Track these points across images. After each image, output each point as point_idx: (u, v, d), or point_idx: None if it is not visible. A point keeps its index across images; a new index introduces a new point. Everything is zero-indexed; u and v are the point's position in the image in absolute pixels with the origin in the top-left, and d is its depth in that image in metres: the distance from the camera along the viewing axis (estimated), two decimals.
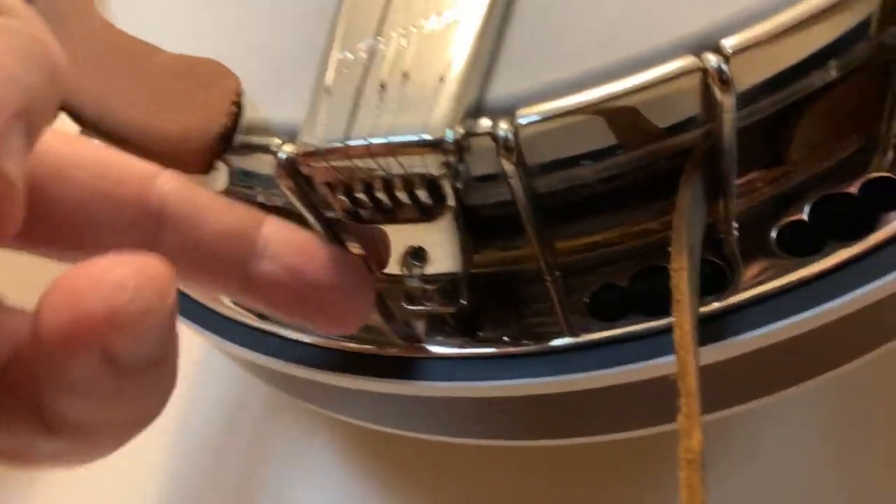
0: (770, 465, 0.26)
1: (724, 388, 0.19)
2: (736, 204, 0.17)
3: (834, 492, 0.26)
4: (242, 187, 0.20)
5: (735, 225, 0.18)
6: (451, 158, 0.15)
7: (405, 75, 0.16)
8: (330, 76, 0.16)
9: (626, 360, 0.17)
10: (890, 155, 0.18)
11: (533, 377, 0.18)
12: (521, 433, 0.22)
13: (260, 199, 0.20)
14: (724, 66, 0.14)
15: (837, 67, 0.16)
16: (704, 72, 0.14)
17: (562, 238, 0.19)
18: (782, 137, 0.17)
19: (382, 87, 0.16)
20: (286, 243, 0.16)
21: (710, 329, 0.17)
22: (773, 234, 0.18)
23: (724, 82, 0.14)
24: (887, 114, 0.17)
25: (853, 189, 0.18)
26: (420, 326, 0.20)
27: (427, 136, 0.15)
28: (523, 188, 0.16)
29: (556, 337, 0.18)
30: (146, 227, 0.15)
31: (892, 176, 0.17)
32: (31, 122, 0.12)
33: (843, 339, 0.18)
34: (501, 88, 0.16)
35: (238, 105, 0.17)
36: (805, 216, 0.18)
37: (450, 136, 0.15)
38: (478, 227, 0.19)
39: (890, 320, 0.18)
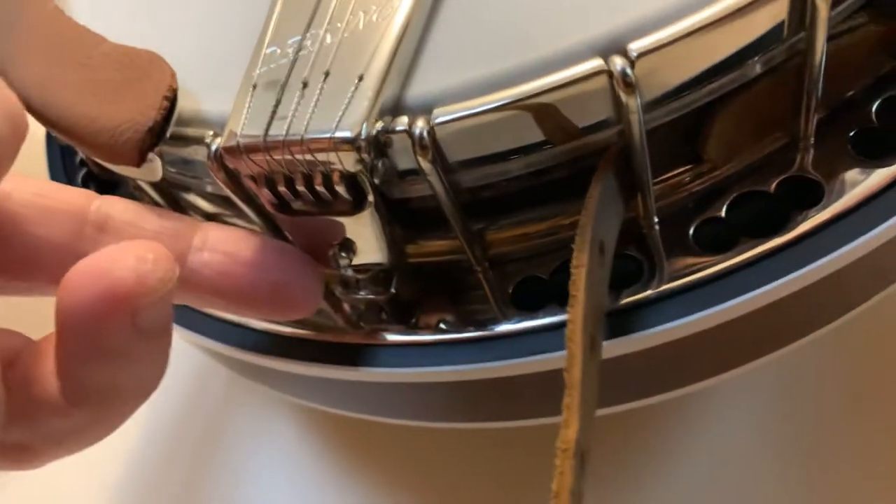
0: (710, 455, 0.27)
1: (646, 377, 0.20)
2: (654, 201, 0.18)
3: (774, 479, 0.26)
4: (183, 176, 0.20)
5: (656, 220, 0.18)
6: (366, 156, 0.15)
7: (326, 74, 0.16)
8: (256, 71, 0.17)
9: (540, 350, 0.17)
10: (811, 153, 0.19)
11: (451, 365, 0.18)
12: (457, 416, 0.22)
13: (201, 187, 0.20)
14: (627, 70, 0.15)
15: (749, 70, 0.16)
16: (610, 74, 0.15)
17: (490, 230, 0.19)
18: (701, 135, 0.18)
19: (304, 84, 0.16)
20: (225, 236, 0.17)
21: (627, 321, 0.18)
22: (692, 230, 0.18)
23: (629, 85, 0.15)
24: (804, 114, 0.18)
25: (770, 187, 0.18)
26: (357, 312, 0.20)
27: (340, 134, 0.15)
28: (442, 184, 0.17)
29: (482, 326, 0.19)
30: (87, 236, 0.17)
31: (805, 175, 0.18)
32: None
33: (757, 333, 0.19)
34: (420, 87, 0.16)
35: (171, 99, 0.17)
36: (723, 213, 0.18)
37: (364, 133, 0.15)
38: (411, 218, 0.19)
39: (803, 314, 0.19)
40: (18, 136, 0.14)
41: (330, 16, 0.17)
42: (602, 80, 0.15)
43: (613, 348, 0.17)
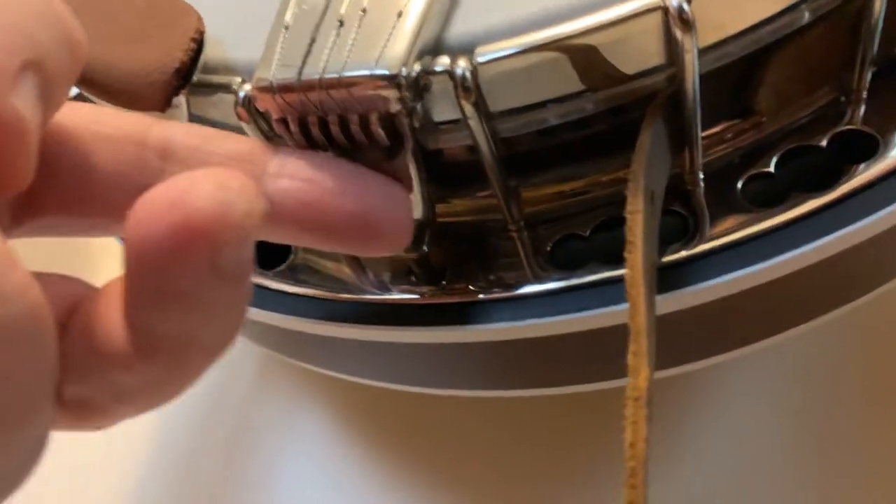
0: (733, 424, 0.26)
1: (691, 341, 0.19)
2: (702, 154, 0.17)
3: (795, 451, 0.26)
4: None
5: (701, 176, 0.18)
6: (406, 94, 0.15)
7: (364, 11, 0.15)
8: (289, 12, 0.16)
9: (584, 307, 0.17)
10: (863, 108, 0.18)
11: (490, 323, 0.17)
12: (494, 383, 0.22)
13: None
14: (685, 5, 0.14)
15: (806, 12, 0.16)
16: (665, 10, 0.14)
17: (527, 187, 0.19)
18: (750, 86, 0.17)
19: (340, 22, 0.15)
20: (305, 162, 0.15)
21: (673, 277, 0.17)
22: (740, 185, 0.17)
23: (685, 22, 0.14)
24: (859, 65, 0.17)
25: (822, 142, 0.17)
26: (386, 274, 0.20)
27: (380, 71, 0.14)
28: (484, 131, 0.16)
29: (517, 285, 0.18)
30: (151, 166, 0.15)
31: (860, 129, 0.17)
32: (46, 81, 0.12)
33: (807, 293, 0.18)
34: (462, 26, 0.16)
35: (197, 42, 0.17)
36: (772, 168, 0.17)
37: (404, 71, 0.14)
38: (444, 175, 0.19)
39: (852, 276, 0.18)
40: (77, 59, 0.13)
41: None
42: (657, 17, 0.14)
43: (659, 305, 0.17)
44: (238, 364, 0.33)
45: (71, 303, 0.13)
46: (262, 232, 0.15)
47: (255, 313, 0.21)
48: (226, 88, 0.17)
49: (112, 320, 0.12)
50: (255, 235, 0.13)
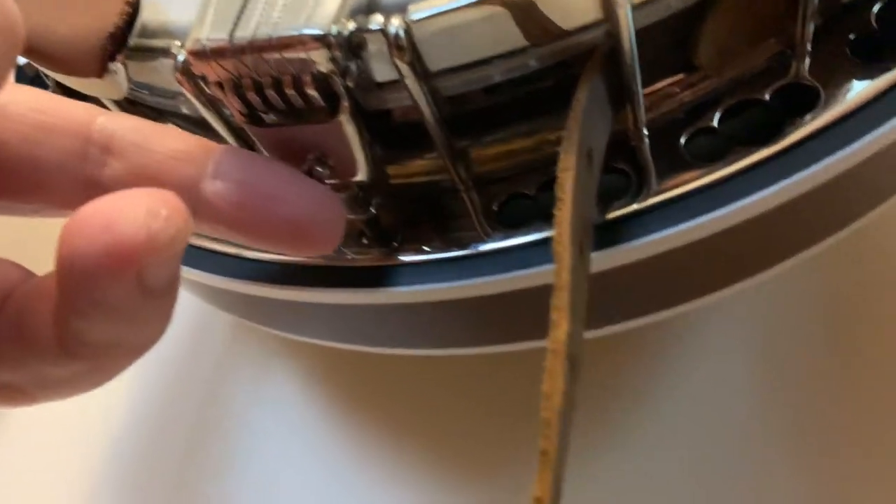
0: (696, 379, 0.27)
1: (642, 295, 0.19)
2: (645, 111, 0.17)
3: (770, 395, 0.26)
4: (156, 97, 0.19)
5: (646, 132, 0.18)
6: (338, 54, 0.15)
7: None
8: None
9: (527, 265, 0.17)
10: (807, 60, 0.18)
11: (436, 283, 0.18)
12: (448, 342, 0.22)
13: (177, 108, 0.19)
14: None
15: None
16: None
17: (473, 148, 0.19)
18: (692, 41, 0.17)
19: None
20: (241, 162, 0.16)
21: (619, 232, 0.17)
22: (683, 141, 0.17)
23: None
24: (801, 17, 0.17)
25: (765, 95, 0.17)
26: None
27: (309, 31, 0.14)
28: (422, 91, 0.16)
29: (465, 246, 0.18)
30: (92, 158, 0.15)
31: (801, 82, 0.17)
32: None
33: (754, 245, 0.18)
34: None
35: (133, 5, 0.16)
36: (715, 123, 0.17)
37: (334, 30, 0.14)
38: (394, 136, 0.18)
39: (796, 229, 0.18)
40: (14, 45, 0.13)
41: None
42: None
43: (603, 260, 0.17)
44: (210, 325, 0.34)
45: (5, 288, 0.14)
46: (196, 229, 0.16)
47: (214, 280, 0.21)
48: (164, 53, 0.17)
49: (42, 316, 0.13)
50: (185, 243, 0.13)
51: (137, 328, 0.14)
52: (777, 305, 0.27)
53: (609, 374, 0.27)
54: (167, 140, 0.16)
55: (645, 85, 0.17)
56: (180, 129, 0.16)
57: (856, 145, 0.16)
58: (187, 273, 0.22)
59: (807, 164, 0.16)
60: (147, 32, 0.17)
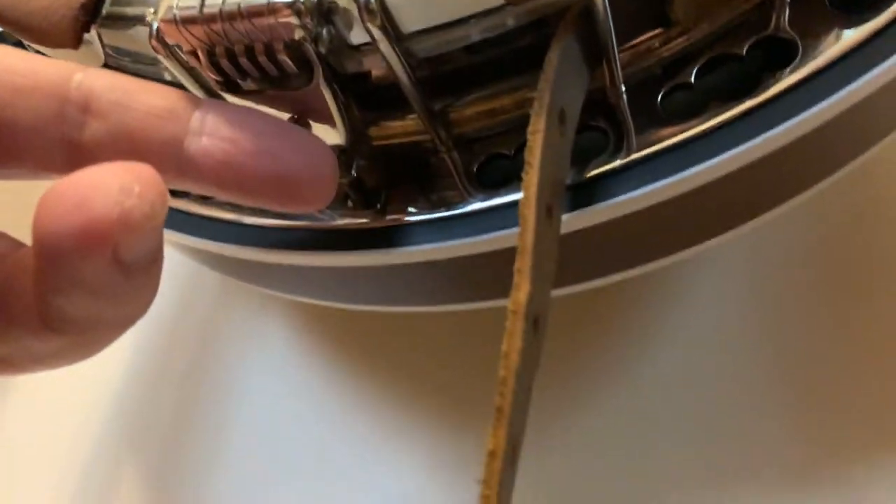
0: (684, 350, 0.27)
1: (624, 250, 0.20)
2: (620, 68, 0.17)
3: (747, 375, 0.26)
4: (137, 64, 0.20)
5: (623, 89, 0.18)
6: (308, 21, 0.15)
7: None
8: None
9: (500, 227, 0.17)
10: (787, 12, 0.18)
11: (417, 245, 0.18)
12: (433, 299, 0.22)
13: (158, 75, 0.20)
14: None
15: None
16: None
17: (453, 108, 0.19)
18: None
19: None
20: (225, 117, 0.15)
21: (591, 192, 0.17)
22: (660, 98, 0.17)
23: None
24: None
25: (742, 50, 0.17)
26: None
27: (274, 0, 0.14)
28: (396, 54, 0.16)
29: (445, 207, 0.18)
30: (72, 119, 0.15)
31: (778, 35, 0.17)
32: None
33: (730, 201, 0.18)
34: None
35: None
36: (692, 78, 0.17)
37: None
38: (374, 98, 0.19)
39: (776, 181, 0.18)
40: None
41: None
42: None
43: (582, 219, 0.17)
44: (199, 281, 0.34)
45: None
46: (181, 186, 0.16)
47: (198, 243, 0.21)
48: (139, 20, 0.17)
49: (25, 290, 0.13)
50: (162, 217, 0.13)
51: (119, 304, 0.14)
52: (764, 250, 0.28)
53: (597, 326, 0.28)
54: (148, 96, 0.15)
55: (621, 42, 0.17)
56: (162, 85, 0.16)
57: (833, 98, 0.16)
58: (171, 235, 0.22)
59: (784, 118, 0.16)
60: (120, 1, 0.17)
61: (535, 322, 0.13)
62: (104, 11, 0.16)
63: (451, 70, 0.18)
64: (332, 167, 0.16)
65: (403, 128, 0.19)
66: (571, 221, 0.17)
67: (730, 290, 0.28)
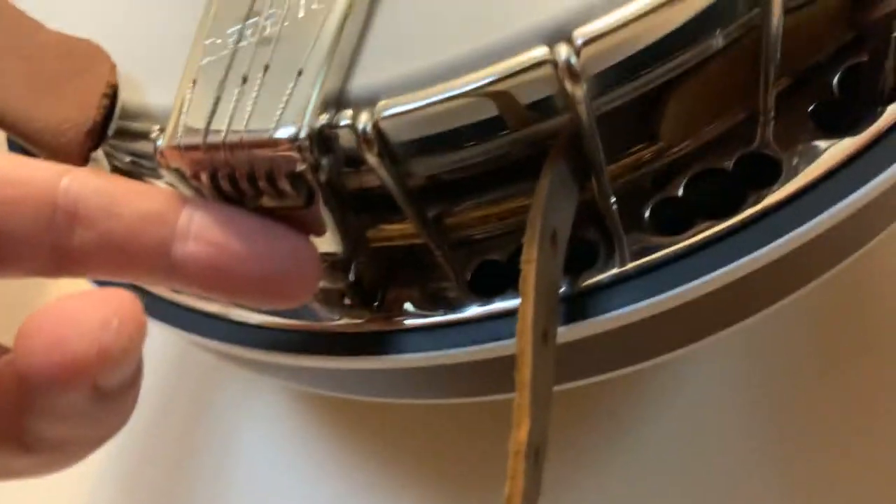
0: (686, 416, 0.27)
1: (613, 352, 0.20)
2: (609, 182, 0.18)
3: (747, 440, 0.27)
4: (140, 167, 0.20)
5: (612, 201, 0.18)
6: (308, 154, 0.15)
7: (266, 67, 0.16)
8: (196, 64, 0.16)
9: (496, 337, 0.17)
10: (772, 127, 0.18)
11: (416, 352, 0.18)
12: (427, 394, 0.23)
13: (160, 176, 0.20)
14: (572, 59, 0.14)
15: (702, 50, 0.16)
16: (555, 64, 0.14)
17: (449, 214, 0.19)
18: (655, 116, 0.17)
19: (244, 79, 0.16)
20: (210, 219, 0.16)
21: (582, 305, 0.18)
22: (648, 211, 0.18)
23: (573, 74, 0.14)
24: (762, 89, 0.17)
25: (728, 165, 0.18)
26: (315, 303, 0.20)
27: (280, 134, 0.15)
28: (391, 176, 0.16)
29: (437, 313, 0.19)
30: (59, 226, 0.15)
31: (762, 152, 0.18)
32: None
33: (717, 309, 0.19)
34: (363, 78, 0.16)
35: (110, 97, 0.17)
36: (680, 192, 0.18)
37: (304, 132, 0.15)
38: (370, 203, 0.19)
39: (759, 291, 0.19)
40: None
41: (270, 3, 0.17)
42: (547, 70, 0.15)
43: (570, 333, 0.17)
44: (191, 349, 0.35)
45: None
46: (170, 287, 0.16)
47: (185, 336, 0.22)
48: (144, 136, 0.17)
49: (4, 411, 0.13)
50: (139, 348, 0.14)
51: (95, 427, 0.14)
52: (761, 337, 0.28)
53: (584, 417, 0.28)
54: (135, 201, 0.15)
55: (610, 157, 0.18)
56: (149, 186, 0.16)
57: (810, 223, 0.16)
58: (164, 328, 0.23)
59: (763, 241, 0.16)
60: (128, 114, 0.18)
61: (536, 454, 0.14)
62: (110, 131, 0.17)
63: (447, 180, 0.18)
64: (316, 266, 0.16)
65: (401, 231, 0.20)
66: (564, 334, 0.18)
67: (719, 383, 0.28)
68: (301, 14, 0.16)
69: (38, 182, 0.15)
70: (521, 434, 0.13)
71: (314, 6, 0.16)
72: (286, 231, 0.16)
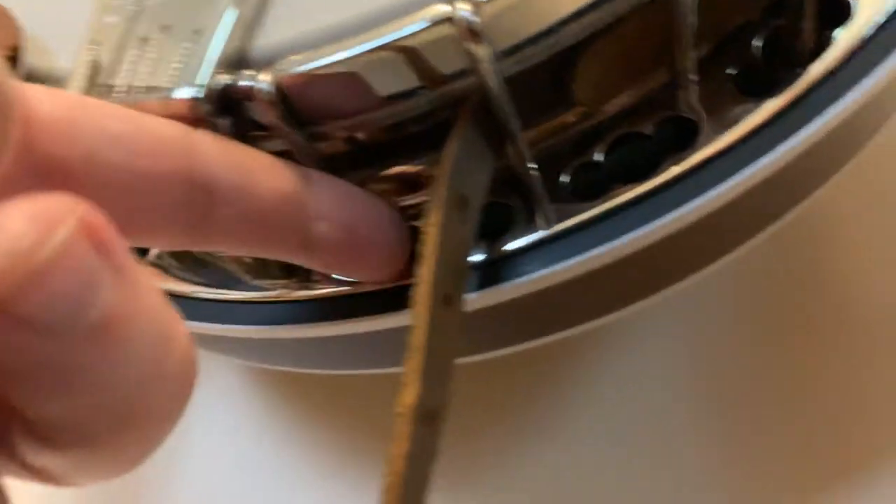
0: (624, 384, 0.28)
1: (534, 320, 0.20)
2: (528, 148, 0.17)
3: (685, 406, 0.27)
4: None
5: (531, 167, 0.18)
6: (204, 116, 0.15)
7: (165, 28, 0.15)
8: (98, 24, 0.16)
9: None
10: (696, 91, 0.18)
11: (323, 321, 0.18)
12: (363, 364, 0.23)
13: None
14: (472, 18, 0.14)
15: (614, 9, 0.16)
16: (455, 21, 0.14)
17: (372, 179, 0.19)
18: (572, 79, 0.17)
19: (144, 40, 0.15)
20: (338, 200, 0.16)
21: (497, 270, 0.17)
22: (568, 176, 0.18)
23: (475, 34, 0.14)
24: (679, 51, 0.17)
25: (649, 128, 0.18)
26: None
27: (174, 94, 0.14)
28: (297, 138, 0.16)
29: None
30: (197, 204, 0.14)
31: (680, 115, 0.17)
32: None
33: (636, 276, 0.19)
34: (266, 38, 0.16)
35: (13, 59, 0.16)
36: (600, 157, 0.18)
37: (196, 93, 0.14)
38: None
39: (677, 258, 0.18)
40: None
41: None
42: (446, 28, 0.14)
43: (487, 297, 0.17)
44: None
45: None
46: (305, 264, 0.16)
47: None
48: None
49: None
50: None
51: (91, 394, 0.10)
52: (699, 304, 0.28)
53: (526, 385, 0.28)
54: (269, 179, 0.15)
55: (527, 123, 0.17)
56: (274, 159, 0.15)
57: (726, 184, 0.16)
58: None
59: (675, 205, 0.16)
60: (34, 77, 0.17)
61: (431, 418, 0.14)
62: None
63: (367, 145, 0.18)
64: (408, 244, 0.17)
65: None
66: (480, 299, 0.18)
67: (660, 349, 0.28)
68: None
69: (169, 151, 0.13)
70: (407, 397, 0.13)
71: None
72: (385, 206, 0.17)
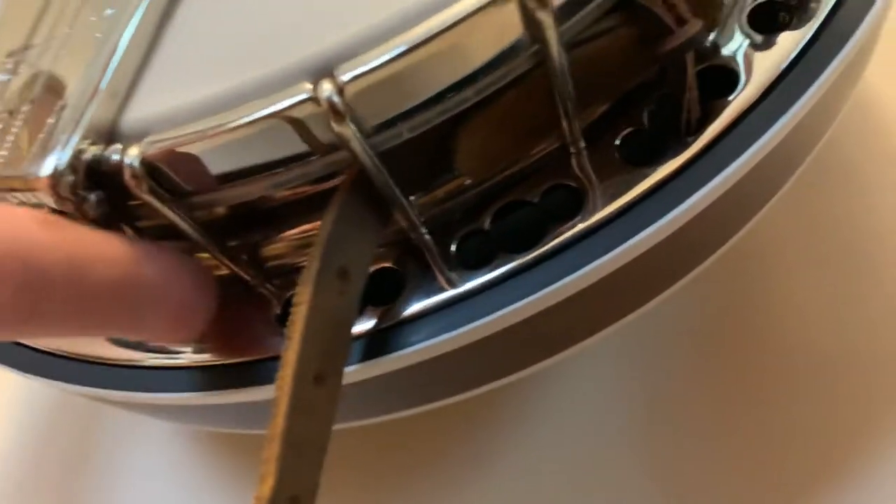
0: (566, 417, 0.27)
1: (439, 381, 0.20)
2: (417, 216, 0.17)
3: (626, 437, 0.27)
4: None
5: (425, 233, 0.18)
6: (67, 194, 0.14)
7: (32, 102, 0.15)
8: None
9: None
10: (584, 158, 0.18)
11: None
12: None
13: None
14: (335, 98, 0.14)
15: (490, 83, 0.16)
16: (318, 101, 0.14)
17: (264, 244, 0.19)
18: (449, 150, 0.17)
19: (10, 113, 0.15)
20: (169, 278, 0.16)
21: (382, 340, 0.17)
22: (455, 244, 0.18)
23: (338, 113, 0.14)
24: (563, 120, 0.17)
25: (534, 197, 0.18)
26: None
27: (36, 171, 0.14)
28: (175, 214, 0.16)
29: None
30: (25, 304, 0.13)
31: (566, 183, 0.17)
32: None
33: (525, 341, 0.18)
34: (136, 112, 0.15)
35: None
36: (487, 225, 0.18)
37: (60, 170, 0.14)
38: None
39: (564, 327, 0.18)
40: None
41: (50, 24, 0.16)
42: (311, 107, 0.14)
43: (364, 371, 0.17)
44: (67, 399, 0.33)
45: None
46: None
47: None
48: None
49: None
50: None
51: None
52: (635, 339, 0.28)
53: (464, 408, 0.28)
54: (102, 267, 0.15)
55: (415, 190, 0.17)
56: (104, 235, 0.15)
57: (604, 259, 0.16)
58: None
59: (557, 276, 0.16)
60: None
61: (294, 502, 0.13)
62: None
63: (253, 211, 0.18)
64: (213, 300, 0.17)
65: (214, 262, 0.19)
66: (374, 367, 0.17)
67: (594, 387, 0.28)
68: (78, 42, 0.15)
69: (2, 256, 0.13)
70: (263, 489, 0.13)
71: (97, 34, 0.16)
72: (192, 260, 0.17)
